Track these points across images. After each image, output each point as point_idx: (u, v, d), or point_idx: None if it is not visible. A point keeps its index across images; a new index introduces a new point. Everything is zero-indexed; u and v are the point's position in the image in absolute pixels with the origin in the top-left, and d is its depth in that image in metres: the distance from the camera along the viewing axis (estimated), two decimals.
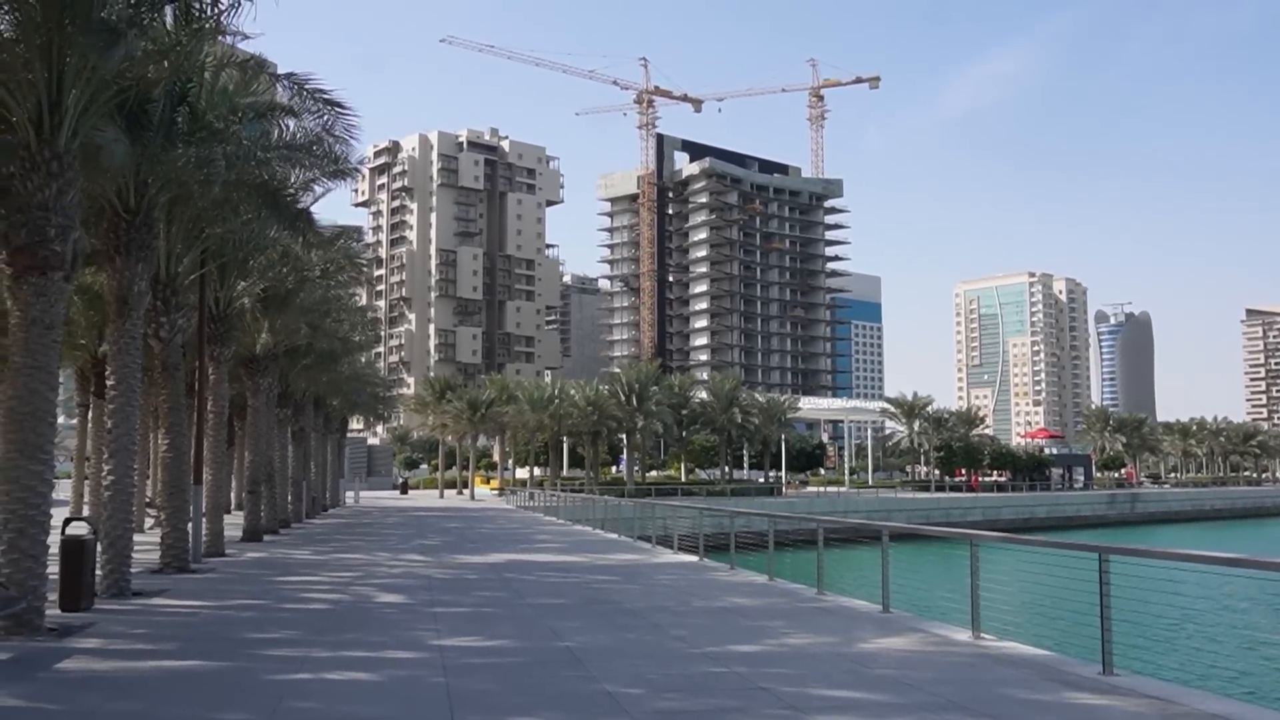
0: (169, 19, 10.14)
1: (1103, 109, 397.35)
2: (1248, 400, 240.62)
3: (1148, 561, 7.08)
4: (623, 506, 25.89)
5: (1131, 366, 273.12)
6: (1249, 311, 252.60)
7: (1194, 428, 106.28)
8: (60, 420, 10.04)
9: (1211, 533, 57.35)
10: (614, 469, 70.23)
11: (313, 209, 16.09)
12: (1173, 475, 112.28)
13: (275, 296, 19.44)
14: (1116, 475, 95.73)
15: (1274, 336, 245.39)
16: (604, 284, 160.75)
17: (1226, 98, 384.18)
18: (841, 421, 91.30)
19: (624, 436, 61.34)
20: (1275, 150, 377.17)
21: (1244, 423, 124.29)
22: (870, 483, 75.03)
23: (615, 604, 11.08)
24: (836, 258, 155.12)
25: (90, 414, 21.93)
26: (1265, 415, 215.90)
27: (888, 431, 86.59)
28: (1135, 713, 5.87)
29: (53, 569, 9.12)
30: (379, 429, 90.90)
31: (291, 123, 13.22)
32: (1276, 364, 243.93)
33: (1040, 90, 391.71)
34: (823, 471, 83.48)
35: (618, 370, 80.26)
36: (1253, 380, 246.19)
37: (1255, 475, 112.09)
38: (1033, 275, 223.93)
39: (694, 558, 16.32)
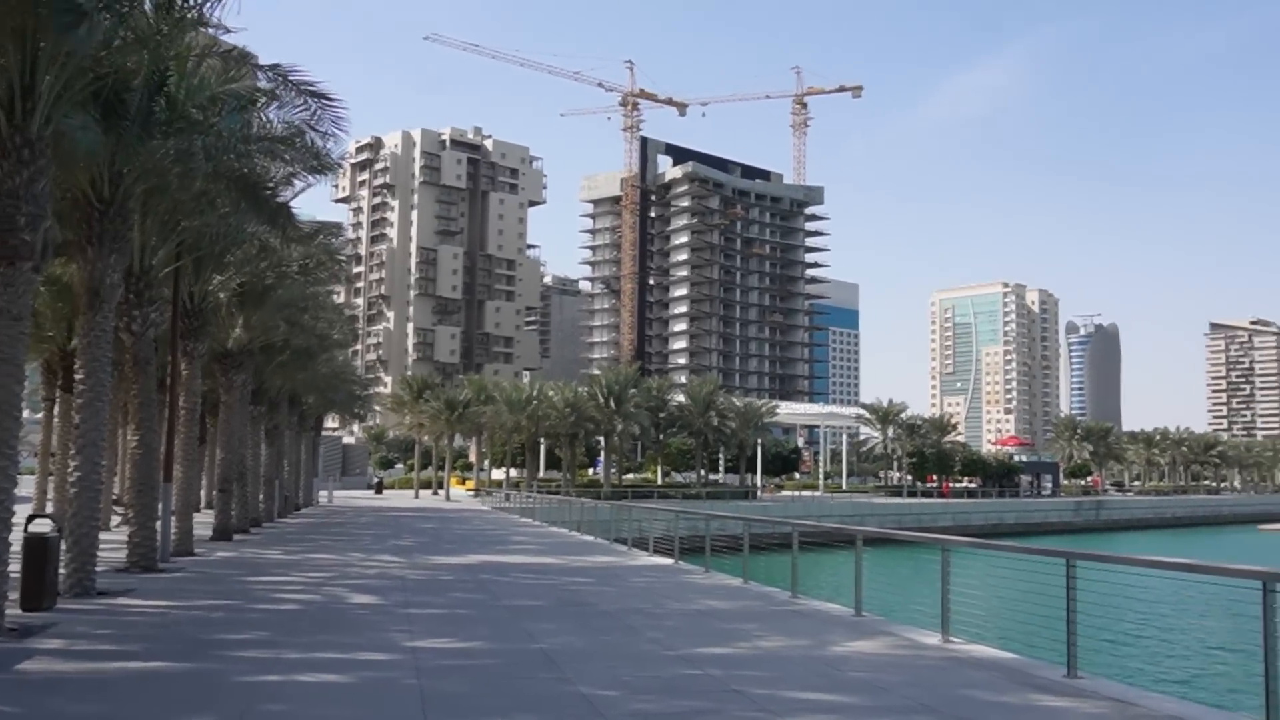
0: (148, 7, 9.99)
1: (1077, 124, 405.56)
2: (1209, 411, 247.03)
3: (1112, 567, 7.26)
4: (599, 508, 25.92)
5: (1099, 376, 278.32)
6: (1213, 325, 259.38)
7: (1157, 437, 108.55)
8: (25, 415, 9.78)
9: (1172, 539, 58.61)
10: (591, 471, 70.13)
11: (292, 204, 15.92)
12: (1136, 483, 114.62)
13: (252, 291, 19.17)
14: (1083, 483, 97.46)
15: (1235, 350, 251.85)
16: (584, 285, 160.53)
17: (1197, 116, 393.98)
18: (817, 426, 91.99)
19: (601, 439, 61.30)
20: (1240, 170, 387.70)
21: (1205, 433, 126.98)
22: (844, 487, 75.72)
23: (590, 606, 11.08)
24: (816, 264, 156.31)
25: (57, 408, 21.46)
26: (1225, 426, 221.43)
27: (862, 437, 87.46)
28: (1096, 714, 6.01)
29: (14, 567, 8.93)
30: (354, 428, 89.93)
31: (274, 115, 13.05)
32: (1237, 376, 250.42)
33: (1019, 103, 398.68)
34: (798, 476, 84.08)
35: (597, 372, 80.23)
36: (1214, 392, 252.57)
37: (1215, 484, 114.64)
38: (1006, 286, 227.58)
39: (669, 560, 16.38)
